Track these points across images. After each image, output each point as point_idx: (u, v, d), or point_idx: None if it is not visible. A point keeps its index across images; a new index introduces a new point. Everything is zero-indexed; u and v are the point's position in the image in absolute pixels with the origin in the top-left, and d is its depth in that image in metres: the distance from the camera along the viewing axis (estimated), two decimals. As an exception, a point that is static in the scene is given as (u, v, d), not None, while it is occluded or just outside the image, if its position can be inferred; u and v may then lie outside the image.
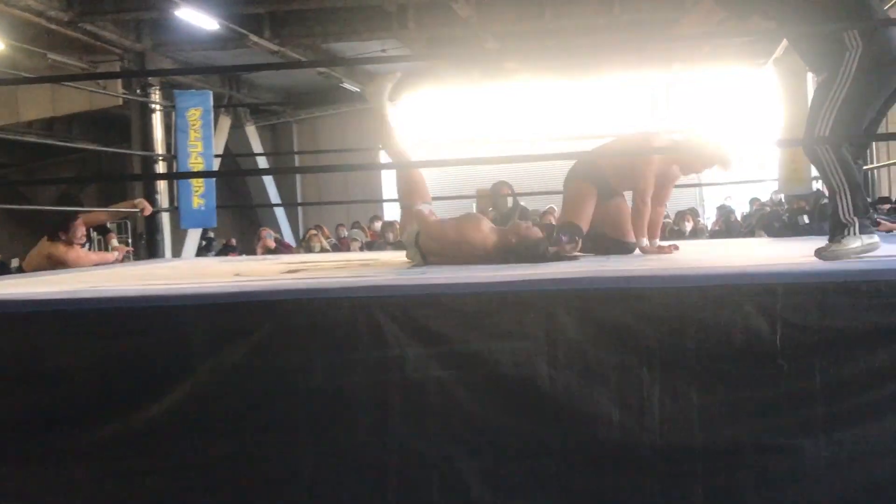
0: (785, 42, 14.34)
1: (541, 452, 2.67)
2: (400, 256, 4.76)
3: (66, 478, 2.80)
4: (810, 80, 9.23)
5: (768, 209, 12.53)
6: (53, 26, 12.27)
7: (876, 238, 3.43)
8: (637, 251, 4.67)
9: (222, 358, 2.76)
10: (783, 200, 11.71)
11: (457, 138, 17.72)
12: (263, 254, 10.49)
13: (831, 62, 3.49)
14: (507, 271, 3.35)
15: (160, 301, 2.93)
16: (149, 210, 7.36)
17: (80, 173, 21.23)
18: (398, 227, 4.46)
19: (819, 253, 3.35)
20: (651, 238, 4.65)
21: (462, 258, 4.18)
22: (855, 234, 3.36)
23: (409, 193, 4.48)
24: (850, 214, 3.40)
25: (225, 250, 13.86)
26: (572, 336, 2.67)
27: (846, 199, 3.41)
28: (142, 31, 13.78)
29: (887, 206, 8.06)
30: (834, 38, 3.47)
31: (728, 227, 12.39)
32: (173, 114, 8.22)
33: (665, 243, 4.80)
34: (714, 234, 12.16)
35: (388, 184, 20.44)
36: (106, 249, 8.36)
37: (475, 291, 2.80)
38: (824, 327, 2.60)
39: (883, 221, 6.39)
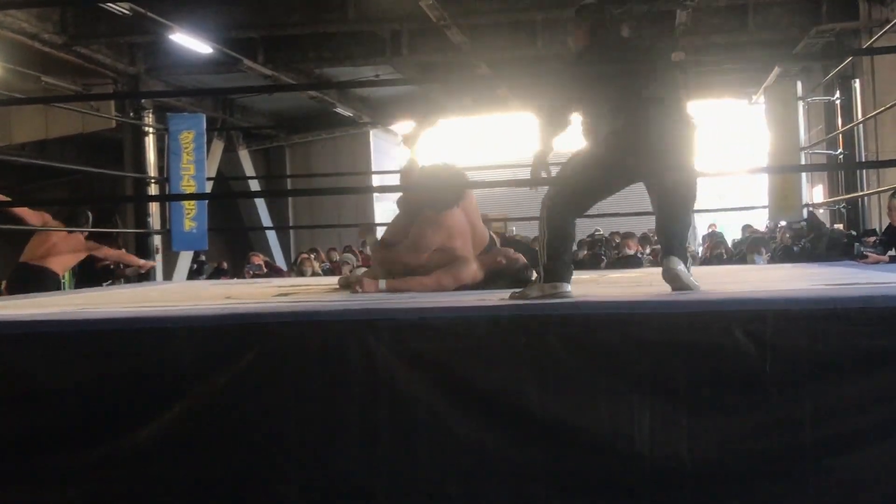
0: (777, 70, 14.48)
1: (531, 477, 2.67)
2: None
3: (56, 499, 2.79)
4: (801, 108, 9.31)
5: (758, 235, 12.59)
6: (47, 49, 12.28)
7: (565, 287, 3.41)
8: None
9: (212, 380, 2.76)
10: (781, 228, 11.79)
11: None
12: (252, 276, 10.50)
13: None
14: (497, 296, 3.36)
15: (151, 323, 2.93)
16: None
17: (73, 195, 21.19)
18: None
19: (511, 295, 3.42)
20: None
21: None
22: (539, 282, 3.45)
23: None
24: (542, 263, 3.49)
25: (216, 274, 13.83)
26: (562, 361, 2.67)
27: (542, 249, 3.50)
28: (136, 55, 13.80)
29: (873, 239, 8.07)
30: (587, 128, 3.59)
31: (718, 257, 12.41)
32: (166, 137, 8.24)
33: None
34: (704, 262, 12.18)
35: (380, 208, 20.51)
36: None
37: (465, 315, 2.80)
38: (814, 354, 2.61)
39: (869, 254, 6.42)
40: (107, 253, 7.72)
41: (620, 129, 3.46)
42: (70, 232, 7.17)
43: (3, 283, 8.44)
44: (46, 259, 7.09)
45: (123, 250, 8.42)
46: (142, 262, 7.99)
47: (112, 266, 8.26)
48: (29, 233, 7.33)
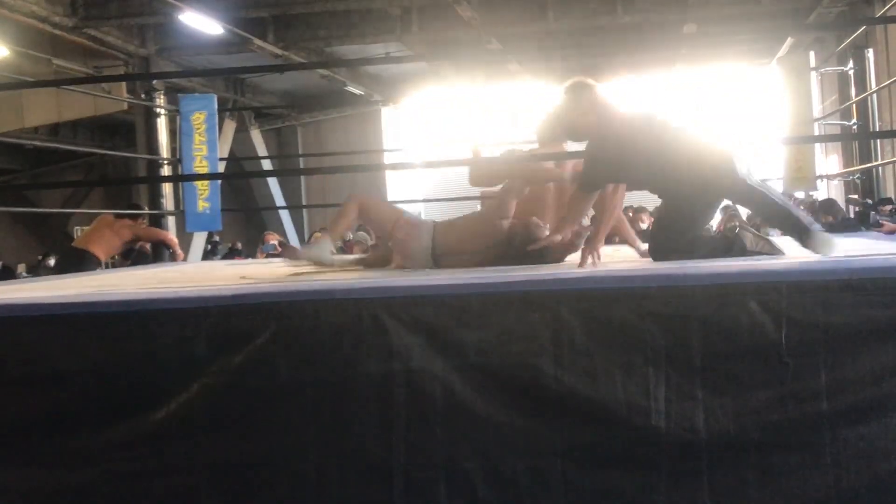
0: (790, 41, 14.38)
1: (547, 452, 2.68)
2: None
3: (74, 480, 2.82)
4: (814, 79, 9.25)
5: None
6: (58, 32, 12.29)
7: None
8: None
9: (229, 360, 2.77)
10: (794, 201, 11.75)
11: (460, 139, 17.71)
12: (266, 257, 10.54)
13: None
14: (511, 272, 3.36)
15: (167, 304, 2.94)
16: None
17: (86, 178, 21.26)
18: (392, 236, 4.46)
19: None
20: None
21: (477, 253, 4.22)
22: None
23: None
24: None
25: (230, 254, 13.88)
26: (577, 336, 2.67)
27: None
28: (146, 36, 13.80)
29: (889, 208, 8.04)
30: None
31: (731, 230, 12.34)
32: (178, 118, 8.27)
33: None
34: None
35: (393, 186, 20.52)
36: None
37: (480, 292, 2.80)
38: (829, 325, 2.61)
39: (885, 223, 6.39)
40: (149, 232, 8.09)
41: None
42: (116, 218, 7.72)
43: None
44: (90, 243, 7.68)
45: (168, 232, 8.74)
46: (180, 251, 8.31)
47: (143, 249, 8.55)
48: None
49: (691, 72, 18.16)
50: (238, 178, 18.99)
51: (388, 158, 19.98)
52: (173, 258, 8.18)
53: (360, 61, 18.24)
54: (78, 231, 19.71)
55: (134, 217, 7.99)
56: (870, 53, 10.97)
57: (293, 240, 18.30)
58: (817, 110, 9.33)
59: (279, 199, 20.24)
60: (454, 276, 3.40)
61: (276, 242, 12.05)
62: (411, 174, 21.32)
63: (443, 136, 20.19)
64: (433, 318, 2.73)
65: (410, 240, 4.32)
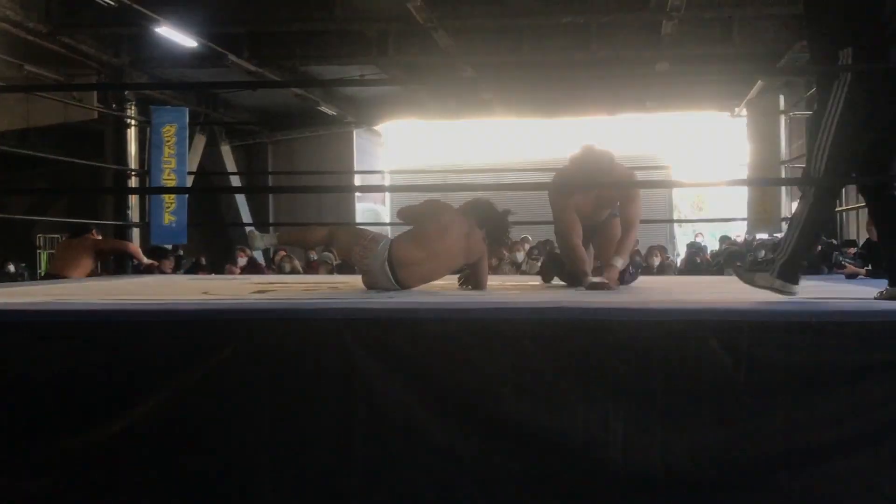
0: (759, 84, 14.55)
1: (505, 480, 2.67)
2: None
3: (27, 488, 2.77)
4: (783, 123, 9.36)
5: (735, 248, 12.64)
6: (31, 38, 12.20)
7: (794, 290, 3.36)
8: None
9: (187, 375, 2.75)
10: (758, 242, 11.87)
11: (435, 167, 17.78)
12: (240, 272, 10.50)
13: (825, 84, 3.36)
14: (475, 298, 3.36)
15: (127, 316, 2.92)
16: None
17: (53, 185, 21.04)
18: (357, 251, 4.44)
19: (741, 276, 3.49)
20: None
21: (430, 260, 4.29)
22: (773, 275, 3.36)
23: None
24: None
25: (194, 268, 13.77)
26: (538, 365, 2.67)
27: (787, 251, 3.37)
28: (120, 47, 13.73)
29: (853, 250, 8.14)
30: (831, 58, 3.33)
31: (695, 265, 12.43)
32: (148, 129, 8.20)
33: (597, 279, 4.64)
34: (682, 272, 12.21)
35: (361, 208, 20.49)
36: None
37: (443, 317, 2.80)
38: (789, 365, 2.62)
39: (848, 265, 6.45)
40: (114, 245, 8.05)
41: None
42: (72, 236, 7.63)
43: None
44: (65, 269, 7.59)
45: (130, 243, 8.67)
46: (146, 260, 8.26)
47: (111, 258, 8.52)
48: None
49: (662, 114, 18.36)
50: (206, 193, 18.89)
51: (358, 180, 19.96)
52: (142, 270, 8.13)
53: (334, 82, 18.28)
54: (40, 239, 19.52)
55: (88, 228, 7.91)
56: (838, 100, 11.12)
57: (258, 258, 18.20)
58: (784, 153, 9.41)
59: (246, 217, 20.14)
60: (418, 299, 3.39)
61: (247, 259, 12.00)
62: (382, 196, 21.36)
63: (418, 159, 20.26)
64: (395, 341, 2.72)
65: (367, 253, 4.33)
